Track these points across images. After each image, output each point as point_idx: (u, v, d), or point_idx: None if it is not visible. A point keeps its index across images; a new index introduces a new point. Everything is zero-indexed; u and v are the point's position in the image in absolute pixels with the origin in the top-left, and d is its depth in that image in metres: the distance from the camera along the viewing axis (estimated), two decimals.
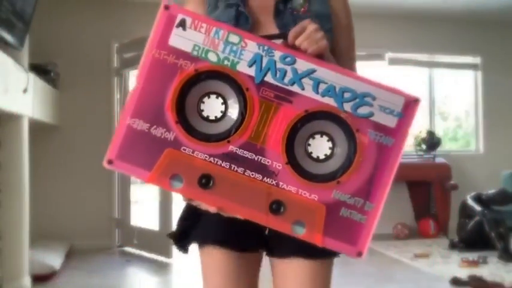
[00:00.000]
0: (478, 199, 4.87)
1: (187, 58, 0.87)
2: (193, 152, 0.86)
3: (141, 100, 0.87)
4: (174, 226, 4.14)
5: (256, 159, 0.87)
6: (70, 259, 4.33)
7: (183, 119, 0.87)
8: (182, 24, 0.87)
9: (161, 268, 4.15)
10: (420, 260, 4.27)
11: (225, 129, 0.88)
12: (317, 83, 0.88)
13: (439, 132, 5.88)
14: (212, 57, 0.87)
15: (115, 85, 5.09)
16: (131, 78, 5.01)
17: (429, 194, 5.61)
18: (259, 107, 0.87)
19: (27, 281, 3.30)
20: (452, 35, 5.90)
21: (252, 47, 0.88)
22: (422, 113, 5.98)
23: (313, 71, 0.88)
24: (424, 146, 5.60)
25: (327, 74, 0.88)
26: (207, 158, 0.86)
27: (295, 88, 0.88)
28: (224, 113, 0.89)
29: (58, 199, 4.89)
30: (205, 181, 0.86)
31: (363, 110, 0.88)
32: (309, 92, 0.88)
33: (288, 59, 0.88)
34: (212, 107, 0.89)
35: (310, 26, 0.95)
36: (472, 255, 4.22)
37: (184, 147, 0.87)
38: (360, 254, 0.87)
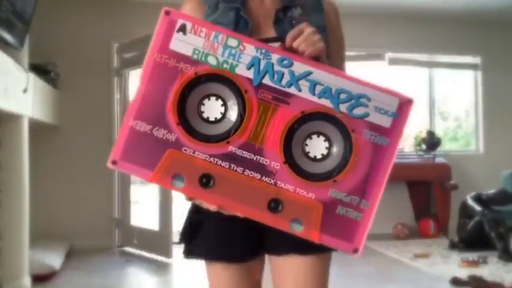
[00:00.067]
0: (478, 199, 4.87)
1: (188, 62, 0.90)
2: (194, 153, 0.89)
3: (144, 102, 0.90)
4: (173, 226, 4.12)
5: (254, 159, 0.90)
6: (70, 259, 4.34)
7: (184, 121, 0.90)
8: (182, 29, 0.90)
9: (161, 268, 4.16)
10: (420, 260, 4.27)
11: (225, 130, 0.90)
12: (313, 85, 0.90)
13: (439, 132, 5.88)
14: (212, 60, 0.90)
15: (115, 85, 5.10)
16: (131, 78, 5.02)
17: (429, 194, 5.61)
18: (257, 109, 0.90)
19: (27, 281, 3.30)
20: (452, 35, 5.91)
21: (250, 51, 0.90)
22: (422, 113, 5.99)
23: (310, 73, 0.90)
24: (424, 146, 5.60)
25: (323, 76, 0.91)
26: (207, 158, 0.89)
27: (292, 90, 0.90)
28: (224, 115, 0.91)
29: (58, 199, 4.90)
30: (205, 180, 0.89)
31: (359, 111, 0.90)
32: (305, 94, 0.90)
33: (285, 62, 0.90)
34: (212, 108, 0.91)
35: (308, 29, 0.99)
36: (472, 255, 4.22)
37: (185, 148, 0.89)
38: (356, 251, 0.90)
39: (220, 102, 0.91)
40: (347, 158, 0.90)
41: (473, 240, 4.62)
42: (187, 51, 0.90)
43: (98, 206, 5.00)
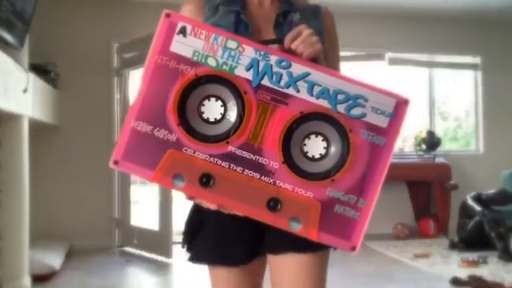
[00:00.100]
0: (478, 199, 4.87)
1: (188, 63, 0.91)
2: (194, 153, 0.91)
3: (145, 104, 0.91)
4: (173, 226, 4.12)
5: (254, 158, 0.91)
6: (70, 259, 4.35)
7: (184, 121, 0.91)
8: (183, 31, 0.92)
9: (161, 268, 4.16)
10: (420, 260, 4.27)
11: (224, 131, 0.92)
12: (312, 86, 0.92)
13: (439, 132, 5.89)
14: (211, 62, 0.92)
15: (115, 85, 5.10)
16: (131, 78, 5.03)
17: (429, 194, 5.61)
18: (256, 109, 0.91)
19: (27, 281, 3.31)
20: (452, 35, 5.92)
21: (249, 52, 0.92)
22: (422, 113, 6.00)
23: (308, 74, 0.92)
24: (424, 146, 5.60)
25: (321, 77, 0.92)
26: (207, 158, 0.91)
27: (290, 91, 0.92)
28: (223, 115, 0.93)
29: (58, 199, 4.90)
30: (205, 180, 0.90)
31: (356, 111, 0.92)
32: (304, 95, 0.92)
33: (284, 63, 0.92)
34: (212, 109, 0.93)
35: (306, 31, 1.01)
36: (472, 255, 4.22)
37: (186, 148, 0.91)
38: (353, 249, 0.91)
39: (220, 103, 0.93)
40: (345, 158, 0.92)
41: (473, 240, 4.62)
42: (187, 53, 0.91)
43: (98, 206, 5.01)
